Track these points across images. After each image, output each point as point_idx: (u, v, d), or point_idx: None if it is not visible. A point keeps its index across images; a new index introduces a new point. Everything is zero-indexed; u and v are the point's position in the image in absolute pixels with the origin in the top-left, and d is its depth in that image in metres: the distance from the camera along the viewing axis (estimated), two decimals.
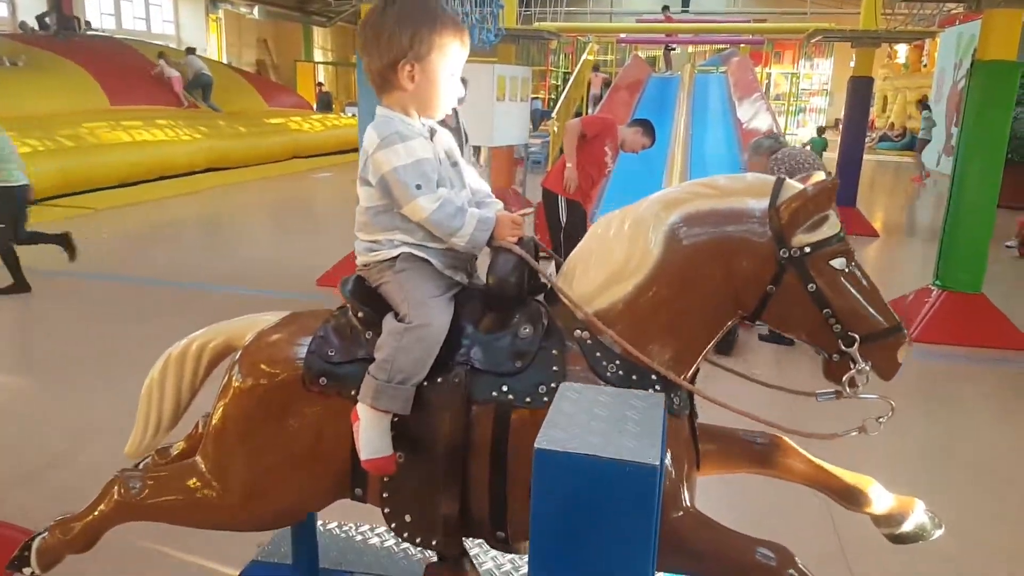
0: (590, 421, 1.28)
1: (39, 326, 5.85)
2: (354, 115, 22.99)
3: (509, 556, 2.37)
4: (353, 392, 1.69)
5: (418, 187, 1.65)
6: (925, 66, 24.68)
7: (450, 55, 1.70)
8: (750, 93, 13.65)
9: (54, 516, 2.09)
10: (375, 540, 2.48)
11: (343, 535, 2.50)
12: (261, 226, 10.95)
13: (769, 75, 20.22)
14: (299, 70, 25.15)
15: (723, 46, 22.94)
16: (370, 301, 1.76)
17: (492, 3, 8.71)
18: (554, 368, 1.64)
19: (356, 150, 18.63)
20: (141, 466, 2.18)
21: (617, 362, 1.63)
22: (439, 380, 1.67)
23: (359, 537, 2.49)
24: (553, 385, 1.60)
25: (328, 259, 7.01)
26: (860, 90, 11.12)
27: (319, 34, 27.09)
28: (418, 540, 1.74)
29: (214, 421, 1.84)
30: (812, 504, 2.67)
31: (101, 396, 4.27)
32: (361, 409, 1.65)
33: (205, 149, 13.49)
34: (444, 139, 1.82)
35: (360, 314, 1.77)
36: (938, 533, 1.85)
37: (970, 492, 3.62)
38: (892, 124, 25.60)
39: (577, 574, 1.22)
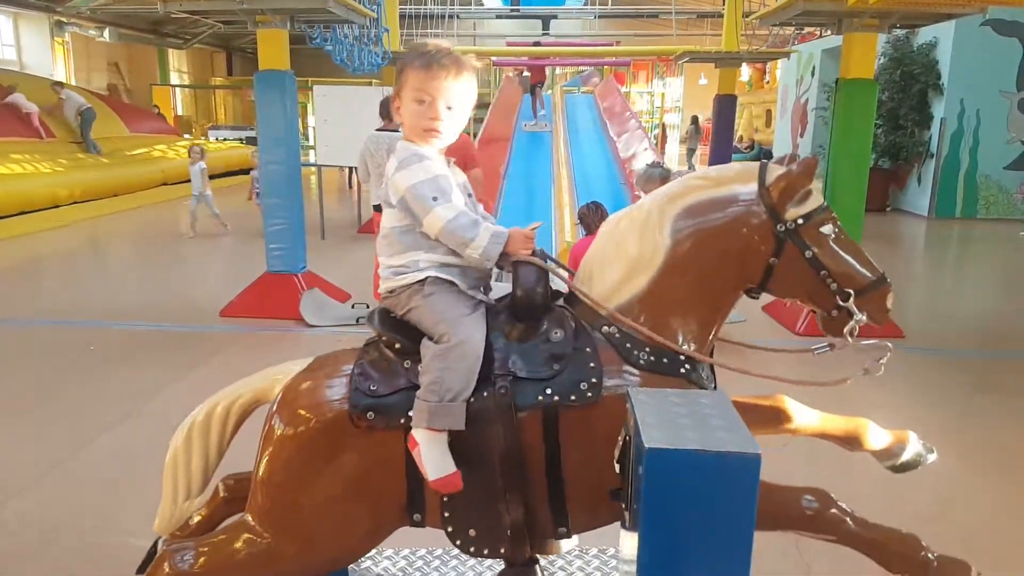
0: (676, 420, 1.41)
1: None
2: (218, 139, 22.17)
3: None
4: (402, 421, 1.75)
5: (435, 199, 1.75)
6: (768, 83, 26.63)
7: (417, 85, 1.80)
8: (621, 111, 14.33)
9: None
10: None
11: None
12: (143, 257, 10.32)
13: (628, 94, 21.18)
14: (156, 94, 23.97)
15: (583, 68, 23.77)
16: (403, 330, 1.83)
17: (377, 27, 8.76)
18: (591, 364, 1.76)
19: (227, 174, 17.66)
20: (161, 542, 2.07)
21: (647, 349, 1.77)
22: (485, 394, 1.74)
23: None
24: (594, 380, 1.73)
25: (221, 288, 6.71)
26: (725, 107, 11.97)
27: (175, 56, 25.93)
28: (485, 551, 1.79)
29: (261, 474, 1.83)
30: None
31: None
32: (418, 433, 1.71)
33: (69, 182, 12.62)
34: (459, 174, 1.92)
35: (397, 345, 1.83)
36: (932, 457, 2.05)
37: None
38: (741, 137, 27.45)
39: (688, 562, 1.34)
